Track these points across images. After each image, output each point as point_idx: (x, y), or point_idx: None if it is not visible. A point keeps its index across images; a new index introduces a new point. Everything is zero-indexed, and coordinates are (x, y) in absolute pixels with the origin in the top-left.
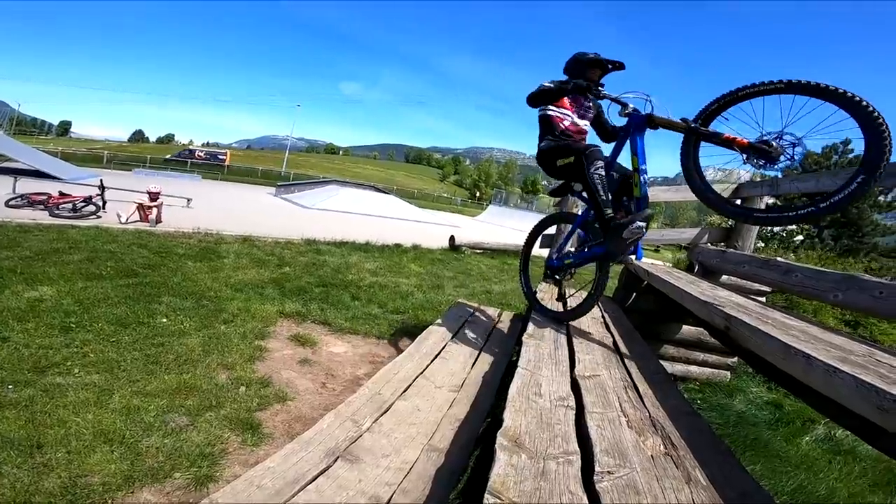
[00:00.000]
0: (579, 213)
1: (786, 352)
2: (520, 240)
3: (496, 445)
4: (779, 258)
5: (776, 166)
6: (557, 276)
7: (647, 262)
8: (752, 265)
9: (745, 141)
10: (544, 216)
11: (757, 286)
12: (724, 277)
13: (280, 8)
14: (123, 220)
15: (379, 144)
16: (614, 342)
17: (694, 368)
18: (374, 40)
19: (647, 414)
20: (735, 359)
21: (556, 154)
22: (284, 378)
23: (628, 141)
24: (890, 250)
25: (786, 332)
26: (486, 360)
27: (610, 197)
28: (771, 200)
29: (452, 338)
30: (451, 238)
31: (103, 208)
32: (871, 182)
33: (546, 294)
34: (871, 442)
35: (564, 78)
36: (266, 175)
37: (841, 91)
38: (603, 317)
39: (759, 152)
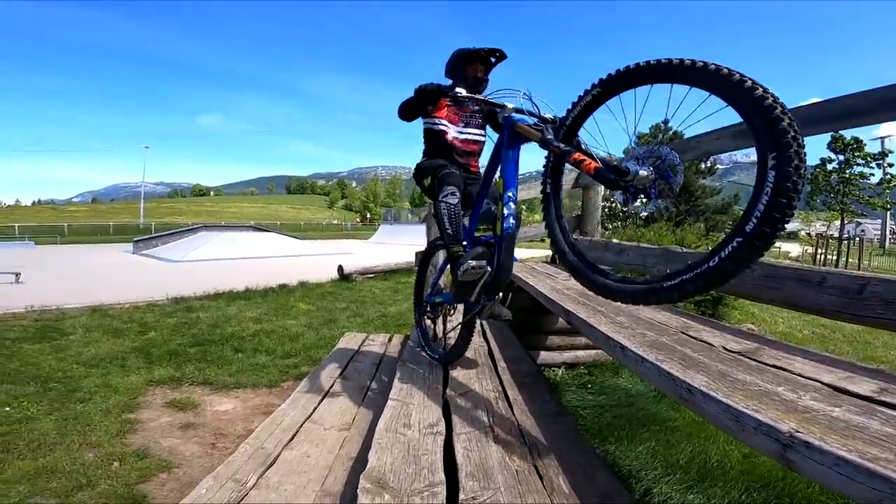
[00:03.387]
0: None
1: (607, 342)
2: (413, 256)
3: (358, 490)
4: (614, 240)
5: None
6: (430, 315)
7: (524, 254)
8: (595, 250)
9: (593, 165)
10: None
11: None
12: None
13: (113, 41)
14: None
15: (255, 179)
16: (489, 350)
17: (581, 353)
18: (227, 68)
19: (516, 423)
20: None
21: (421, 173)
22: (165, 446)
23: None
24: (719, 208)
25: (613, 320)
26: (377, 391)
27: (462, 229)
28: None
29: (340, 374)
30: (340, 268)
31: None
32: (763, 239)
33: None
34: None
35: (448, 82)
36: (121, 230)
37: (711, 68)
38: (481, 324)
39: (609, 185)
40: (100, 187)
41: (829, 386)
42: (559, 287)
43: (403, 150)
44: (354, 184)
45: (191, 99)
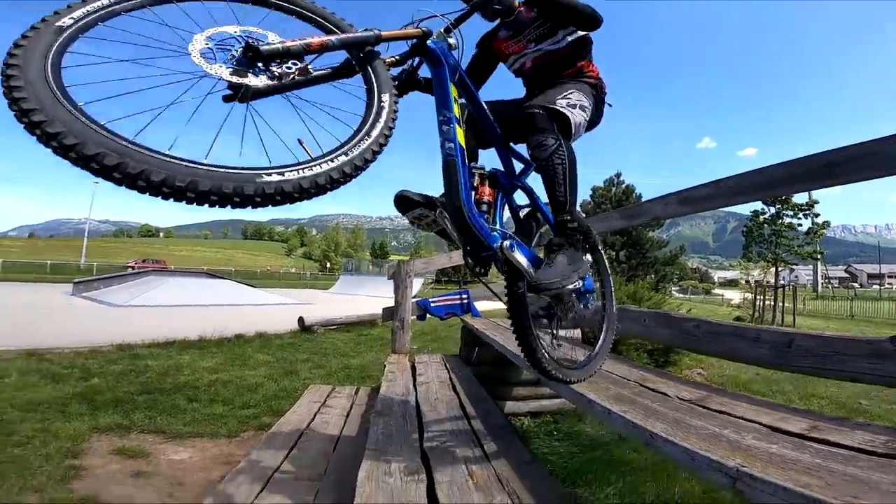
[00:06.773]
0: None
1: (574, 396)
2: (374, 308)
3: None
4: None
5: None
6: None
7: (487, 307)
8: None
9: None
10: None
11: None
12: None
13: None
14: None
15: (210, 222)
16: (461, 403)
17: (546, 402)
18: None
19: (493, 471)
20: None
21: None
22: (117, 493)
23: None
24: (667, 260)
25: None
26: (346, 443)
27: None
28: None
29: (308, 426)
30: (300, 319)
31: None
32: None
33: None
34: None
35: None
36: (59, 269)
37: None
38: (450, 378)
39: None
40: (38, 222)
41: (767, 427)
42: None
43: (367, 199)
44: (315, 231)
45: None
